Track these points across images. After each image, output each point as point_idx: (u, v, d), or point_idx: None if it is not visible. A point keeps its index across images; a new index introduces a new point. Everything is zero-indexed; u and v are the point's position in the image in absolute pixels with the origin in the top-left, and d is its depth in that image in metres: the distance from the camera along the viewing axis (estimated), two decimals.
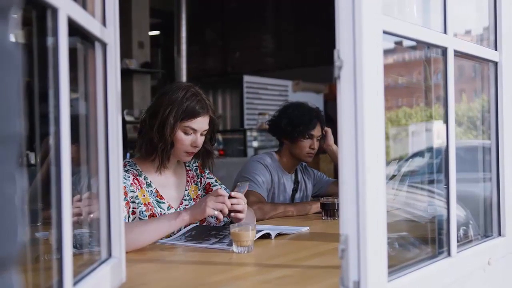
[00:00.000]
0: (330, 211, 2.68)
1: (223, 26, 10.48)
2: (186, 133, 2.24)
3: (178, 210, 2.29)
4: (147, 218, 2.19)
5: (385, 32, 1.27)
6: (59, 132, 1.02)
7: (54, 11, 1.02)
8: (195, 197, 2.41)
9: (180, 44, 8.89)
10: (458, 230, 1.63)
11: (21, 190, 0.58)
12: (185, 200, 2.37)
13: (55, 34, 1.03)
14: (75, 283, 1.10)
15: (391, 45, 1.47)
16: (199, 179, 2.47)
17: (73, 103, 1.11)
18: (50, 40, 1.03)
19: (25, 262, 1.00)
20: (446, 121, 1.55)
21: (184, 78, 8.81)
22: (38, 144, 1.10)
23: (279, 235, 2.21)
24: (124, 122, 5.66)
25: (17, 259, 0.59)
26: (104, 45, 1.37)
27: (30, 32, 1.03)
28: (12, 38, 0.59)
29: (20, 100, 0.60)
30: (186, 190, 2.39)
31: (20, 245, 0.59)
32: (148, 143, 2.25)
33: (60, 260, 1.02)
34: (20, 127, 0.59)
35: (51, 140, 1.03)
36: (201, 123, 2.26)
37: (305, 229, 2.38)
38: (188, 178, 2.42)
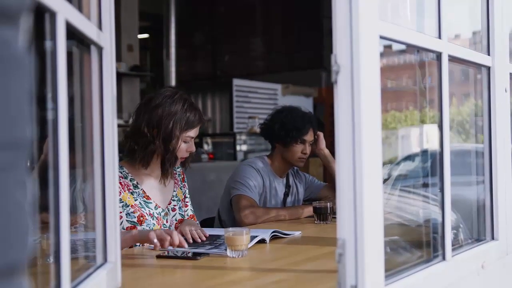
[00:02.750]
0: (323, 215, 2.68)
1: (212, 29, 10.48)
2: (185, 142, 2.34)
3: (166, 210, 2.39)
4: (135, 219, 2.25)
5: (381, 37, 1.28)
6: (57, 136, 1.01)
7: (52, 15, 1.01)
8: (182, 199, 2.51)
9: (169, 47, 8.88)
10: None
11: (31, 196, 0.58)
12: (173, 200, 2.45)
13: (53, 37, 1.02)
14: None
15: (380, 49, 1.48)
16: (182, 185, 2.56)
17: (68, 106, 1.10)
18: (48, 44, 1.03)
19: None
20: (440, 125, 1.56)
21: (173, 82, 8.80)
22: (35, 148, 1.09)
23: (274, 238, 2.22)
24: None
25: (27, 264, 0.59)
26: (100, 49, 1.37)
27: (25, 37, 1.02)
28: (23, 43, 0.59)
29: (30, 105, 0.60)
30: (174, 191, 2.47)
31: (30, 251, 0.59)
32: (150, 154, 2.30)
33: (57, 265, 1.01)
34: (30, 133, 0.59)
35: (49, 144, 1.02)
36: (198, 131, 2.39)
37: (297, 233, 2.38)
38: (176, 181, 2.51)
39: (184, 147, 2.34)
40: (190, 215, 2.52)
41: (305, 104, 7.72)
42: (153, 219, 2.30)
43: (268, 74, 9.35)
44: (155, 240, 1.94)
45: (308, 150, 3.06)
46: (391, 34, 1.34)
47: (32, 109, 0.61)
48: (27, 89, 0.59)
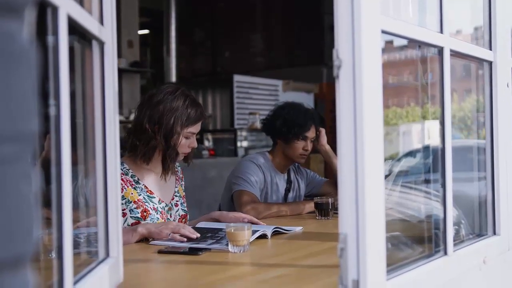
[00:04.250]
0: (324, 210, 2.69)
1: (213, 26, 10.47)
2: (186, 138, 2.35)
3: (170, 205, 2.41)
4: (139, 215, 2.27)
5: (383, 32, 1.28)
6: (60, 132, 1.01)
7: (55, 9, 1.01)
8: (182, 196, 2.53)
9: (170, 44, 8.87)
10: None
11: (36, 188, 0.58)
12: (176, 196, 2.48)
13: (55, 32, 1.02)
14: (75, 283, 1.09)
15: (382, 45, 1.48)
16: (182, 182, 2.59)
17: (69, 102, 1.10)
18: (50, 39, 1.02)
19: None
20: (442, 121, 1.56)
21: (173, 78, 8.79)
22: (37, 144, 1.09)
23: (275, 234, 2.22)
24: None
25: (32, 256, 0.59)
26: (101, 44, 1.36)
27: (30, 30, 1.02)
28: (27, 36, 0.59)
29: (36, 98, 0.60)
30: (176, 187, 2.50)
31: (36, 243, 0.59)
32: (152, 150, 2.32)
33: (60, 260, 1.01)
34: (35, 126, 0.59)
35: (52, 139, 1.02)
36: (199, 126, 2.39)
37: (298, 228, 2.38)
38: (177, 177, 2.54)
39: (186, 142, 2.35)
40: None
41: (306, 100, 7.71)
42: (157, 214, 2.32)
43: (268, 70, 9.35)
44: (175, 236, 2.06)
45: (309, 146, 3.06)
46: (392, 29, 1.33)
47: (37, 102, 0.61)
48: (32, 82, 0.59)
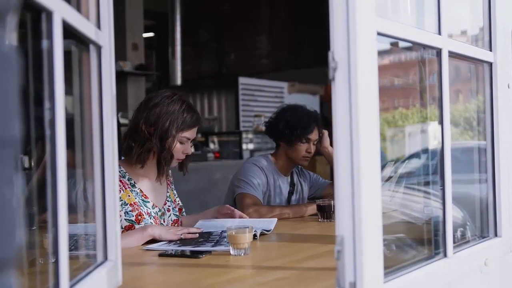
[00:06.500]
0: (326, 213, 2.68)
1: (217, 27, 10.48)
2: (181, 142, 2.37)
3: (163, 209, 2.44)
4: (133, 217, 2.29)
5: (379, 34, 1.27)
6: (55, 136, 1.02)
7: (49, 14, 1.01)
8: (174, 200, 2.55)
9: (175, 46, 8.89)
10: (455, 231, 1.63)
11: (19, 193, 0.59)
12: (168, 201, 2.50)
13: (50, 37, 1.02)
14: (71, 286, 1.09)
15: (386, 46, 1.48)
16: (173, 186, 2.60)
17: (67, 106, 1.11)
18: (44, 43, 1.03)
19: (22, 266, 1.00)
20: (441, 122, 1.55)
21: (179, 81, 8.80)
22: (33, 148, 1.10)
23: (261, 234, 2.26)
24: (119, 125, 5.69)
25: (15, 261, 0.59)
26: (98, 48, 1.37)
27: (24, 35, 1.02)
28: (10, 42, 0.59)
29: (18, 103, 0.60)
30: (167, 192, 2.52)
31: (18, 247, 0.59)
32: (146, 152, 2.33)
33: (56, 263, 1.02)
34: (19, 131, 0.59)
35: (47, 144, 1.02)
36: (195, 132, 2.42)
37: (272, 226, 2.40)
38: (168, 182, 2.56)
39: (180, 148, 2.37)
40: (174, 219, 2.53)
41: (312, 102, 7.71)
42: (150, 218, 2.33)
43: (274, 72, 9.34)
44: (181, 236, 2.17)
45: (312, 149, 3.05)
46: (389, 31, 1.33)
47: (20, 108, 0.61)
48: (15, 88, 0.59)
